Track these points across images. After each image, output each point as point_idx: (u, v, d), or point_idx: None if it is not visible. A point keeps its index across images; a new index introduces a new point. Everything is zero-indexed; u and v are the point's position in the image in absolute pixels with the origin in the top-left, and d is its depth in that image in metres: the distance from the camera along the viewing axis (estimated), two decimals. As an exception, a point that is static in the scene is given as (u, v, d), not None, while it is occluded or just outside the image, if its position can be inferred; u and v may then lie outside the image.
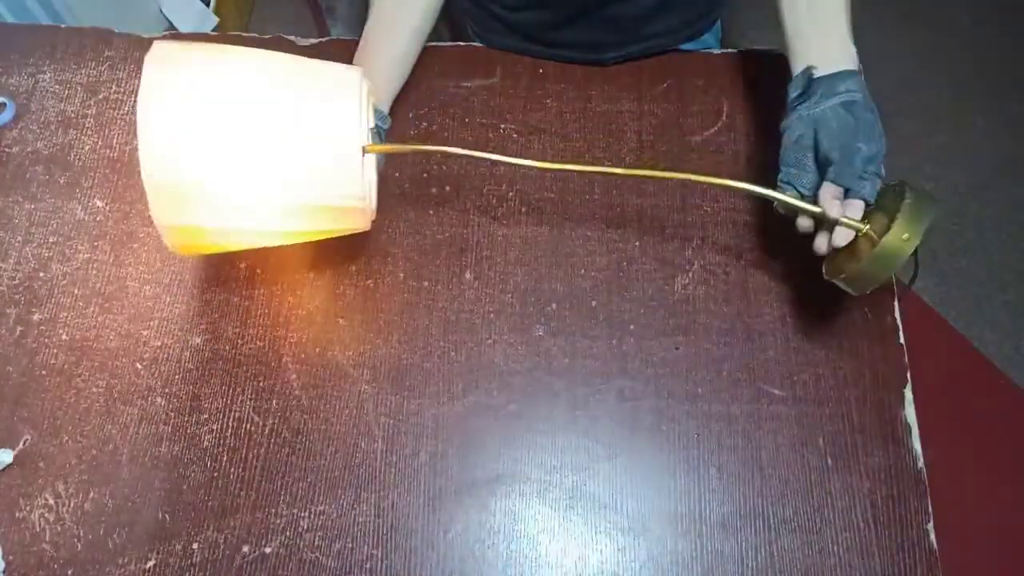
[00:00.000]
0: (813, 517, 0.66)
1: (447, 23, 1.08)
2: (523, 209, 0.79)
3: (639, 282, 0.75)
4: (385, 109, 0.74)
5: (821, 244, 0.63)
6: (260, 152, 0.58)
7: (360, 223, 0.65)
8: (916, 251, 0.58)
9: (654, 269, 0.75)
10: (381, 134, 0.72)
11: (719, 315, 0.73)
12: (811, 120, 0.64)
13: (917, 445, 0.68)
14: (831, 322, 0.73)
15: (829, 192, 0.62)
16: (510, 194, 0.79)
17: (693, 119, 0.82)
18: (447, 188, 0.80)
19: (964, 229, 1.67)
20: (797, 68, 0.67)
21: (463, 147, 0.65)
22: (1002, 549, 1.24)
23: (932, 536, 0.65)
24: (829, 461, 0.68)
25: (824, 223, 0.63)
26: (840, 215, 0.60)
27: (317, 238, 0.67)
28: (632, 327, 0.73)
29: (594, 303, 0.74)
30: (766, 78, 0.84)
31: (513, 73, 0.85)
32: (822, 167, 0.64)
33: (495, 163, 0.80)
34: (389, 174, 0.80)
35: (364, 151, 0.61)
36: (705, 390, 0.71)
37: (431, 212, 0.79)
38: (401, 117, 0.83)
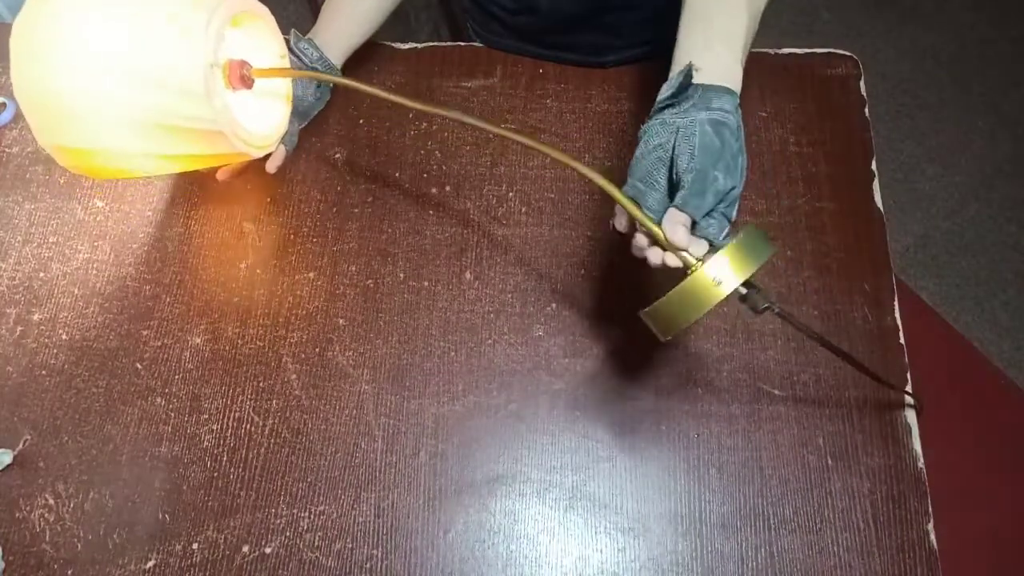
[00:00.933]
0: (813, 517, 0.66)
1: (447, 23, 1.08)
2: (523, 209, 0.79)
3: (639, 282, 0.75)
4: (338, 62, 0.77)
5: (654, 256, 0.56)
6: (111, 66, 0.58)
7: (228, 148, 0.62)
8: (771, 305, 0.53)
9: (654, 269, 0.75)
10: (322, 86, 0.74)
11: (719, 315, 0.73)
12: (674, 128, 0.56)
13: (917, 445, 0.68)
14: (831, 322, 0.73)
15: (674, 217, 0.53)
16: (510, 194, 0.79)
17: (693, 119, 0.82)
18: (447, 188, 0.80)
19: (964, 229, 1.67)
20: (675, 71, 0.59)
21: (417, 107, 0.59)
22: (1002, 549, 1.24)
23: (932, 536, 0.65)
24: (829, 461, 0.68)
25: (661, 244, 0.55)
26: (684, 244, 0.53)
27: (205, 165, 0.68)
28: (632, 327, 0.73)
29: (594, 303, 0.74)
30: (765, 78, 0.84)
31: (513, 73, 0.85)
32: (672, 187, 0.56)
33: (494, 160, 0.80)
34: (387, 174, 0.80)
35: (215, 70, 0.59)
36: (705, 390, 0.71)
37: (431, 212, 0.79)
38: (401, 117, 0.83)
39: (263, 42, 0.68)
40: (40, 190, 0.80)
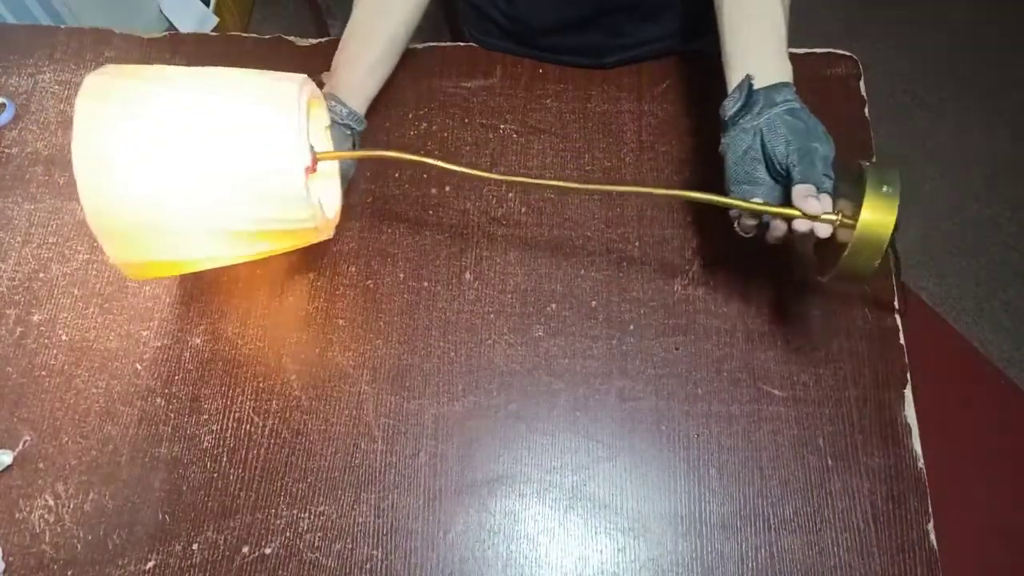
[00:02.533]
0: (813, 517, 0.66)
1: (448, 24, 1.08)
2: (523, 209, 0.79)
3: (639, 282, 0.75)
4: (361, 111, 0.73)
5: (802, 225, 0.59)
6: (199, 185, 0.56)
7: (313, 239, 0.64)
8: (896, 225, 0.56)
9: (654, 269, 0.75)
10: (356, 137, 0.72)
11: (719, 315, 0.73)
12: (756, 131, 0.62)
13: (917, 445, 0.68)
14: (831, 322, 0.73)
15: (801, 192, 0.59)
16: (510, 195, 0.79)
17: (693, 119, 0.82)
18: (447, 188, 0.80)
19: (964, 229, 1.67)
20: (735, 83, 0.65)
21: (452, 160, 0.62)
22: (1002, 549, 1.24)
23: (932, 536, 0.65)
24: (829, 461, 0.68)
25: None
26: (820, 211, 0.58)
27: (275, 254, 0.67)
28: (632, 327, 0.73)
29: (594, 303, 0.74)
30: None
31: (513, 73, 0.85)
32: (773, 177, 0.62)
33: (494, 159, 0.80)
34: (388, 174, 0.80)
35: (308, 170, 0.59)
36: (705, 390, 0.71)
37: (431, 212, 0.79)
38: (401, 117, 0.83)
39: (314, 115, 0.66)
40: (40, 191, 0.80)
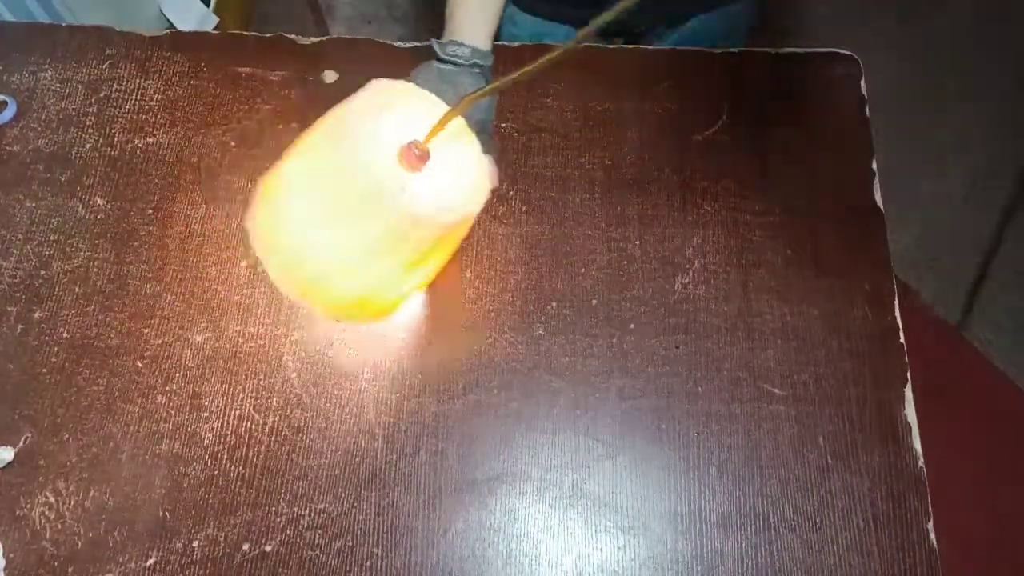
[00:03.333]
0: (813, 516, 0.66)
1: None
2: (523, 208, 0.79)
3: (639, 281, 0.75)
4: (488, 46, 0.69)
5: None
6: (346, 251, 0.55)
7: (462, 224, 0.59)
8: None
9: (654, 268, 0.75)
10: (487, 73, 0.68)
11: (719, 315, 0.73)
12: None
13: (917, 445, 0.68)
14: (831, 322, 0.73)
15: None
16: (511, 193, 0.79)
17: (693, 119, 0.82)
18: (448, 187, 0.80)
19: (964, 229, 1.67)
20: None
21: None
22: (1002, 549, 1.24)
23: (932, 536, 0.65)
24: (829, 461, 0.68)
25: None
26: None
27: (453, 250, 0.63)
28: (632, 326, 0.73)
29: (594, 302, 0.74)
30: (766, 78, 0.84)
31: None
32: None
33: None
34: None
35: (412, 166, 0.54)
36: (705, 389, 0.71)
37: (432, 211, 0.79)
38: (402, 116, 0.83)
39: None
40: (41, 188, 0.80)
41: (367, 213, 0.54)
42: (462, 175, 0.58)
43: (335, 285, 0.57)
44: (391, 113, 0.55)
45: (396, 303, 0.62)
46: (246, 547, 0.66)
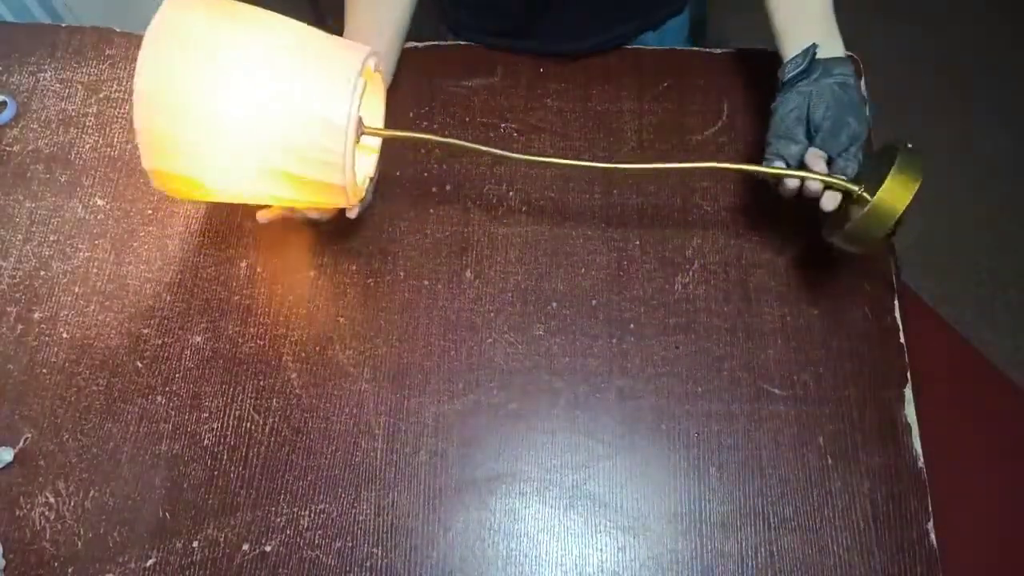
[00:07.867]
0: (813, 516, 0.66)
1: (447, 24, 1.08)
2: (523, 208, 0.79)
3: (639, 281, 0.75)
4: (389, 82, 0.76)
5: (828, 201, 0.64)
6: (247, 116, 0.59)
7: (337, 202, 0.66)
8: (908, 210, 0.60)
9: (654, 268, 0.75)
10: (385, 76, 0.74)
11: (719, 315, 0.73)
12: (807, 94, 0.67)
13: (917, 445, 0.68)
14: (831, 322, 0.73)
15: (816, 154, 0.65)
16: (510, 193, 0.79)
17: (693, 119, 0.82)
18: (448, 187, 0.80)
19: (964, 229, 1.67)
20: (791, 54, 0.70)
21: (500, 146, 0.67)
22: (1002, 549, 1.24)
23: (932, 536, 0.65)
24: (829, 461, 0.68)
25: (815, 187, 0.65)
26: (823, 170, 0.64)
27: (298, 205, 0.69)
28: (632, 326, 0.73)
29: (594, 302, 0.74)
30: (766, 78, 0.84)
31: (514, 72, 0.85)
32: (810, 139, 0.67)
33: (496, 159, 0.80)
34: (388, 173, 0.80)
35: (358, 132, 0.62)
36: (705, 389, 0.71)
37: (431, 211, 0.79)
38: (402, 116, 0.83)
39: (370, 89, 0.69)
40: (41, 188, 0.80)
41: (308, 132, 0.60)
42: (366, 166, 0.72)
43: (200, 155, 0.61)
44: (360, 78, 0.62)
45: (211, 194, 0.66)
46: (246, 547, 0.66)
